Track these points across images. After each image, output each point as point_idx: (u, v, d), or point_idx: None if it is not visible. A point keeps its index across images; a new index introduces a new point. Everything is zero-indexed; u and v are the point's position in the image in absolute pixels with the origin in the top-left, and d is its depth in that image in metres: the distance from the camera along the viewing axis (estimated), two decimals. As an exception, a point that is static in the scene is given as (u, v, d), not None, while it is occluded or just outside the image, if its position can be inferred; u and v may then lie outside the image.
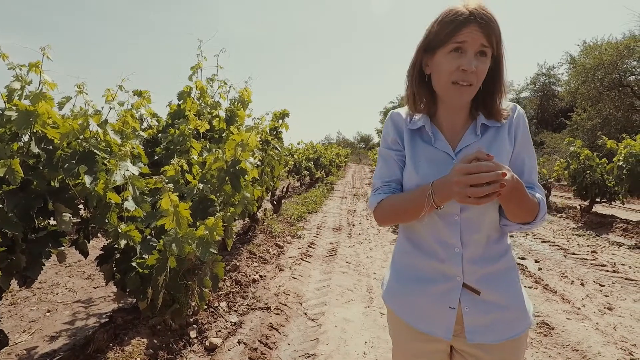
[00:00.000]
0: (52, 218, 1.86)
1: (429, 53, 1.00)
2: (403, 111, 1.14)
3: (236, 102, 3.57)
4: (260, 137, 4.35)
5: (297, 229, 6.61)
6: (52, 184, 1.80)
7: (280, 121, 5.58)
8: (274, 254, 5.06)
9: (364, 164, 45.70)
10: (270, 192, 7.02)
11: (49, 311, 3.36)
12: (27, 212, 1.59)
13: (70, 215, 1.71)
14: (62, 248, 1.80)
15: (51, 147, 1.78)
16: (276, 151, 4.93)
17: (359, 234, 6.44)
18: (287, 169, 8.76)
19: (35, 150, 1.68)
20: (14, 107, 1.69)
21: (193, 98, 3.06)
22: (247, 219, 5.18)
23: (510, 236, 5.76)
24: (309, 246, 5.52)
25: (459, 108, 1.04)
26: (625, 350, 2.57)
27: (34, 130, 1.74)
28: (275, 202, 7.30)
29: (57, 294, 3.77)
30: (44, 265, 1.67)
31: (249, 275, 4.06)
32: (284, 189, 8.44)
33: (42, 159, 1.73)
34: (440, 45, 0.95)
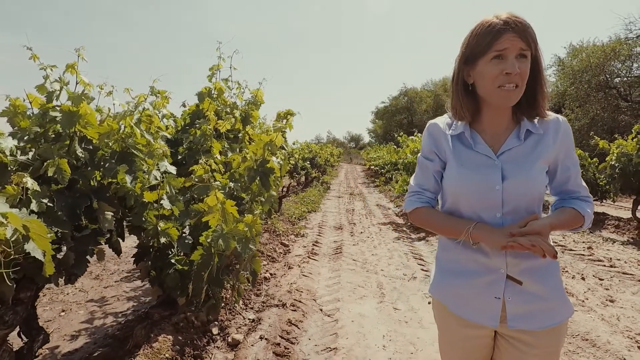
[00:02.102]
0: (84, 217, 1.90)
1: (469, 64, 1.06)
2: (440, 120, 1.20)
3: (250, 103, 3.63)
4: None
5: (300, 228, 6.67)
6: (92, 183, 1.84)
7: (285, 121, 5.63)
8: (281, 253, 5.12)
9: (355, 163, 45.89)
10: (272, 192, 7.06)
11: (63, 311, 3.36)
12: (74, 211, 1.62)
13: (113, 214, 1.75)
14: (102, 246, 1.83)
15: (91, 147, 1.82)
16: (282, 151, 4.98)
17: (361, 233, 6.54)
18: (288, 169, 8.81)
19: (79, 150, 1.72)
20: (57, 108, 1.72)
21: (211, 98, 3.10)
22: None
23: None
24: (313, 245, 5.59)
25: (502, 112, 1.09)
26: (631, 338, 2.72)
27: (76, 131, 1.78)
28: (276, 202, 7.36)
29: (67, 294, 3.77)
30: (89, 262, 1.71)
31: (260, 274, 4.12)
32: (284, 189, 8.49)
33: (84, 159, 1.76)
34: (481, 55, 1.01)
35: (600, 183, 7.42)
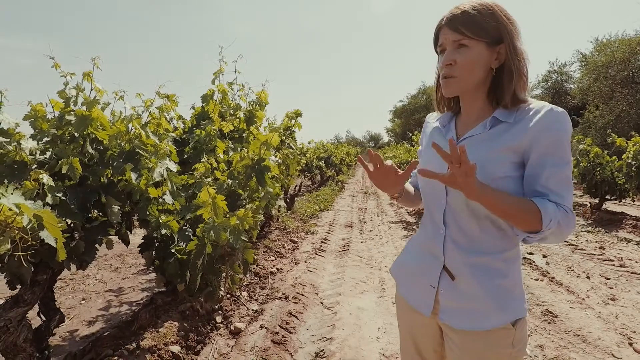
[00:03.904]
0: (96, 210, 2.11)
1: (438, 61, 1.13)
2: (434, 113, 1.27)
3: (254, 104, 3.80)
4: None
5: (310, 225, 6.82)
6: (101, 180, 2.04)
7: (293, 121, 5.79)
8: (289, 249, 5.28)
9: (374, 163, 45.59)
10: (284, 190, 7.24)
11: (83, 299, 3.63)
12: (84, 204, 1.82)
13: (119, 207, 1.95)
14: (110, 237, 2.03)
15: (101, 147, 2.02)
16: (291, 150, 5.14)
17: (370, 231, 6.63)
18: (299, 168, 8.98)
19: (90, 150, 1.92)
20: (72, 112, 1.93)
21: (216, 100, 3.29)
22: (262, 215, 5.41)
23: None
24: (322, 242, 5.73)
25: (471, 102, 1.07)
26: (624, 335, 2.73)
27: (88, 132, 1.98)
28: (288, 200, 7.54)
29: (88, 285, 4.05)
30: (98, 250, 1.91)
31: (267, 268, 4.29)
32: (297, 188, 8.66)
33: (94, 158, 1.96)
34: (436, 52, 1.09)
35: (619, 182, 7.23)
